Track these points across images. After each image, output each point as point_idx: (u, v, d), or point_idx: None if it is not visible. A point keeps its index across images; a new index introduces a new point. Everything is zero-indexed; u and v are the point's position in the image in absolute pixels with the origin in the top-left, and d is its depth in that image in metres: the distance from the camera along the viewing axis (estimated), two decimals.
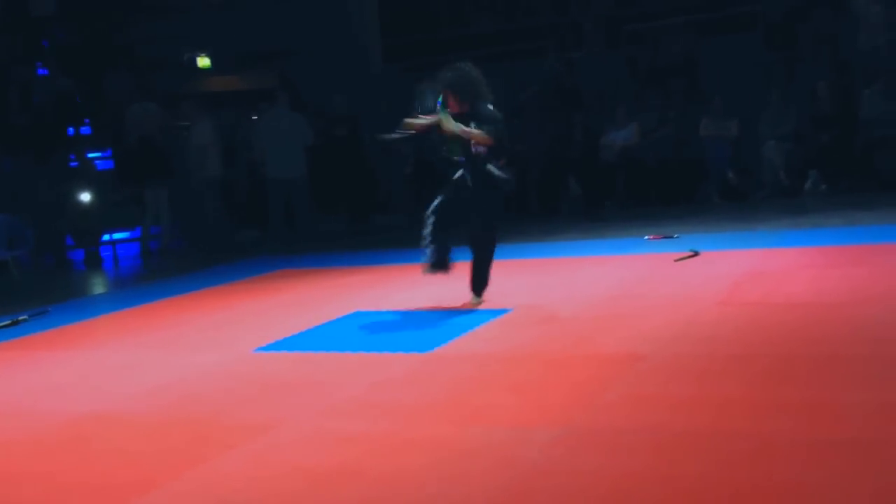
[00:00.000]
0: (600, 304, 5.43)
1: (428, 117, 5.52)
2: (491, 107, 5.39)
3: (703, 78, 11.53)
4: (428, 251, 5.42)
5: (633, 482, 2.80)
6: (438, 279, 5.60)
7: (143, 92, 12.18)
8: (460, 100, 5.36)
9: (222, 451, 3.42)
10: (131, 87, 12.59)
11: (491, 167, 5.41)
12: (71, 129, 12.57)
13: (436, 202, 5.45)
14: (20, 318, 6.71)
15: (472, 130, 5.27)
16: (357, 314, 5.86)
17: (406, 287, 6.73)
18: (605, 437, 3.20)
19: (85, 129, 12.95)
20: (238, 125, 12.11)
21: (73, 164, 11.09)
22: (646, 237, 7.90)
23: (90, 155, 11.50)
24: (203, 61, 14.77)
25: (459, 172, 5.39)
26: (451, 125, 5.28)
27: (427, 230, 5.41)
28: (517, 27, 13.85)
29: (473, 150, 5.35)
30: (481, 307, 5.59)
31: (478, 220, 5.49)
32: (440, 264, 5.44)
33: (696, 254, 6.72)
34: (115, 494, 3.13)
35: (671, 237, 7.72)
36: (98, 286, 9.16)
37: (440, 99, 5.41)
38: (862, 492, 2.58)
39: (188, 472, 3.24)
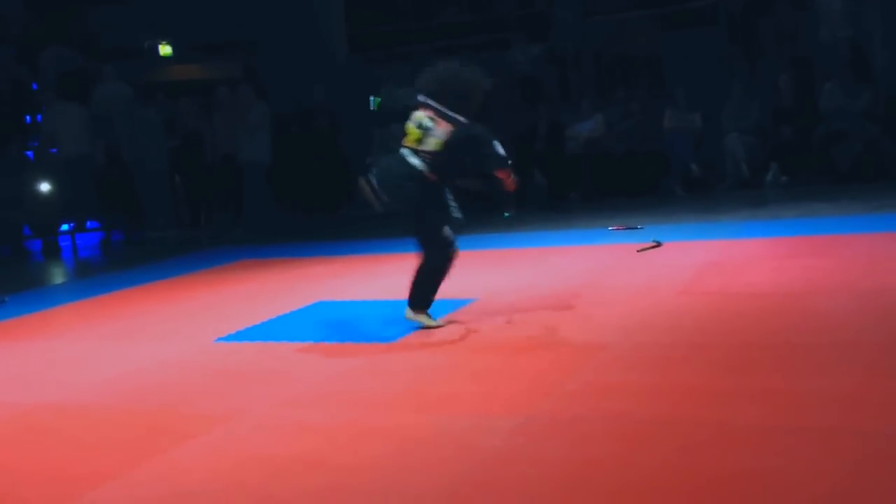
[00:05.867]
0: (563, 294, 5.43)
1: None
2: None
3: (666, 71, 11.60)
4: None
5: (595, 470, 2.81)
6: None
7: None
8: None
9: (181, 442, 3.38)
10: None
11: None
12: (28, 118, 12.35)
13: None
14: None
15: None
16: (320, 304, 5.82)
17: (370, 277, 6.71)
18: (567, 426, 3.21)
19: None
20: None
21: (29, 153, 10.90)
22: (609, 228, 7.93)
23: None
24: (164, 49, 14.58)
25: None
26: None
27: None
28: (482, 18, 13.84)
29: None
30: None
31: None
32: None
33: (658, 244, 6.76)
34: (71, 485, 3.07)
35: (635, 228, 7.77)
36: (56, 276, 9.01)
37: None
38: (821, 478, 2.61)
39: (146, 463, 3.19)
